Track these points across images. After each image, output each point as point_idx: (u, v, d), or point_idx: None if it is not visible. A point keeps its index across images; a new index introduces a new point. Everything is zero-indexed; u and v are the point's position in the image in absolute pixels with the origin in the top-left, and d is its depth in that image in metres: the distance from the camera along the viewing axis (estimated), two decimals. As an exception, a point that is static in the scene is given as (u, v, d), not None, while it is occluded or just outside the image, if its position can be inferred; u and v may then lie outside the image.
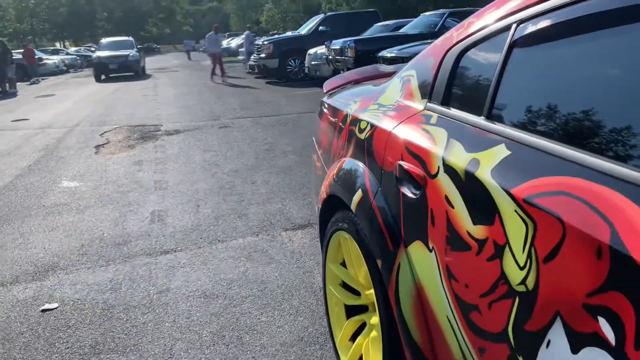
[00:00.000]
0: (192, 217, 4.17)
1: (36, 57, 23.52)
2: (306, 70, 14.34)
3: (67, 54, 34.24)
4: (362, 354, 1.93)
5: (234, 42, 32.24)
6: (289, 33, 20.43)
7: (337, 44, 11.66)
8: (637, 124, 0.95)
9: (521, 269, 1.03)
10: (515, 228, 1.05)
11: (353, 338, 2.02)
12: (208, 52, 17.09)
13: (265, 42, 15.70)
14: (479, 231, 1.16)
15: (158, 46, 57.33)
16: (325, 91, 2.53)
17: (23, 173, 5.98)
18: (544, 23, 1.23)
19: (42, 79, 22.07)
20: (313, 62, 13.65)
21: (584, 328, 0.89)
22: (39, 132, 8.77)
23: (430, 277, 1.36)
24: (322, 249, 2.20)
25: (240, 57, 21.83)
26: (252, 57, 16.61)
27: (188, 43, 36.99)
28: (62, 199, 4.89)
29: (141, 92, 14.73)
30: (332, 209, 2.03)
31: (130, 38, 24.26)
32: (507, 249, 1.07)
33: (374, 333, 1.82)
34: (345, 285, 2.09)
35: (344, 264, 2.06)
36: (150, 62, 34.52)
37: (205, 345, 2.40)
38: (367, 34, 13.39)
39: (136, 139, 7.74)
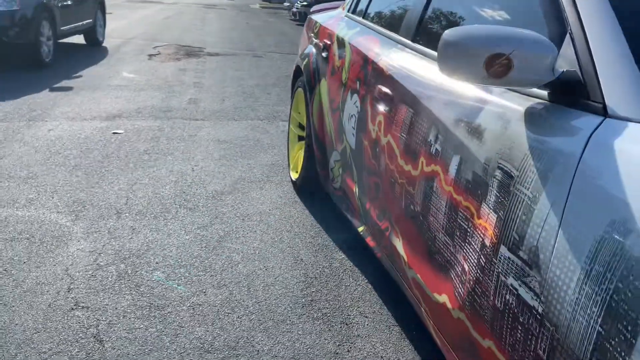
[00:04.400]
0: (217, 105, 5.66)
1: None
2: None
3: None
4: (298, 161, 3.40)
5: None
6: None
7: None
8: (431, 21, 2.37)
9: (346, 73, 2.47)
10: (347, 58, 2.49)
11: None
12: None
13: (308, -9, 16.89)
14: (339, 63, 2.60)
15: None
16: (311, 12, 3.93)
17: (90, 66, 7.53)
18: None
19: None
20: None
21: (353, 87, 2.33)
22: (102, 39, 10.31)
23: (324, 94, 2.81)
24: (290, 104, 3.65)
25: (286, 4, 22.84)
26: (295, 4, 17.82)
27: None
28: (123, 83, 6.43)
29: (190, 21, 16.16)
30: (297, 77, 3.47)
31: None
32: (344, 67, 2.51)
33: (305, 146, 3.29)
34: (299, 126, 3.55)
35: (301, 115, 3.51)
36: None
37: (215, 159, 3.91)
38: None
39: (182, 54, 9.23)
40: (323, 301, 2.25)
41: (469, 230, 1.37)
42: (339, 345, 1.98)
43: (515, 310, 1.16)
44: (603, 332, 0.92)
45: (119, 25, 13.43)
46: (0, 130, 4.27)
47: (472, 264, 1.34)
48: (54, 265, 2.37)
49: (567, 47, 1.25)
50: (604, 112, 1.09)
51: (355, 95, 2.30)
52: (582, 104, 1.15)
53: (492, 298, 1.25)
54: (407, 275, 1.82)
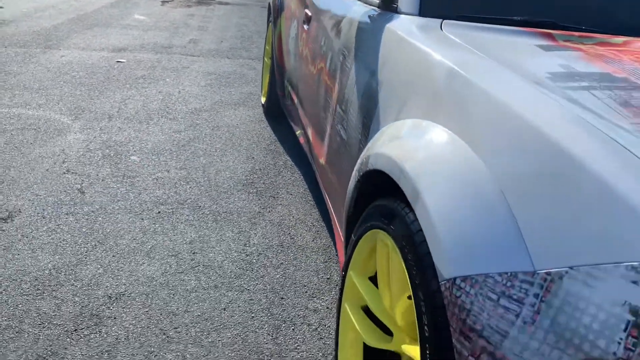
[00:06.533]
0: (215, 45, 6.21)
1: None
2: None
3: None
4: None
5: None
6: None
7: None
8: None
9: (294, 5, 3.01)
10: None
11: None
12: None
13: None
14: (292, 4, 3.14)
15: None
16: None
17: (106, 6, 8.10)
18: None
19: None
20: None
21: (295, 15, 2.88)
22: (120, -16, 10.84)
23: (283, 25, 3.36)
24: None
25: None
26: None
27: None
28: (133, 23, 7.00)
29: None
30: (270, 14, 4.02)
31: None
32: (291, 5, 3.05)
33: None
34: (271, 57, 4.10)
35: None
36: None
37: (201, 86, 4.50)
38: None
39: (194, 2, 9.73)
40: (261, 183, 2.86)
41: (329, 102, 1.94)
42: (263, 208, 2.60)
43: (340, 144, 1.74)
44: (361, 138, 1.50)
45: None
46: (20, 54, 4.90)
47: (329, 125, 1.92)
48: (54, 146, 3.00)
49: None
50: (397, 10, 1.65)
51: (296, 21, 2.85)
52: (390, 7, 1.70)
53: (334, 143, 1.84)
54: (312, 154, 2.40)
